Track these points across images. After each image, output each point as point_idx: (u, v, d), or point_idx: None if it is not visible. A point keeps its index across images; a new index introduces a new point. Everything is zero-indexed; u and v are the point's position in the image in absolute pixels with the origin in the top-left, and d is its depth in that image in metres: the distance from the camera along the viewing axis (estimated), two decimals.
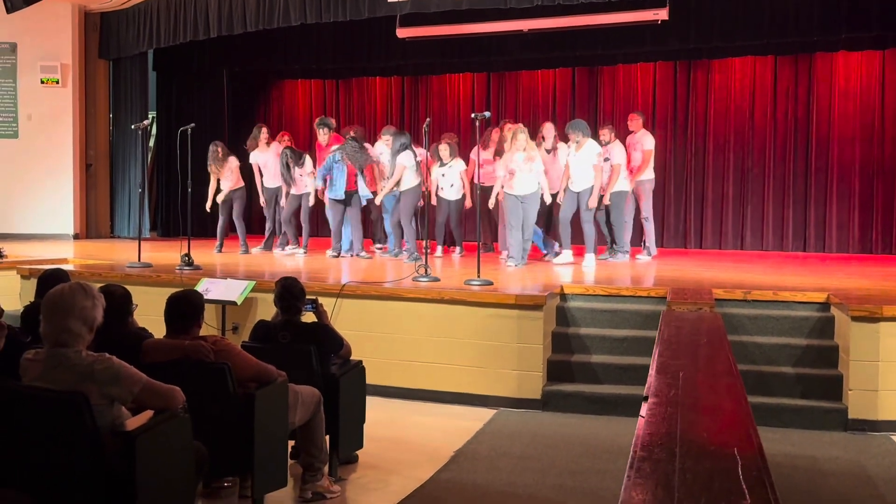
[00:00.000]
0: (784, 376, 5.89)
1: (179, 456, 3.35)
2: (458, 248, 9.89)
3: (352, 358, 4.88)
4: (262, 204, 10.28)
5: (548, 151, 9.07)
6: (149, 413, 3.25)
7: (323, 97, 13.80)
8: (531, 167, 8.35)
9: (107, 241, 12.09)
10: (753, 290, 6.48)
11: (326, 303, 5.64)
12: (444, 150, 9.29)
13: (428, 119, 8.14)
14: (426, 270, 6.98)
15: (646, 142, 9.43)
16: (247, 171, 10.28)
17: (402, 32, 10.86)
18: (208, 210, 10.01)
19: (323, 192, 9.59)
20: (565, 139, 8.85)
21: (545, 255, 9.20)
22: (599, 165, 8.54)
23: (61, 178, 12.16)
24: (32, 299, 4.71)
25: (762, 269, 8.47)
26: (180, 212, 9.69)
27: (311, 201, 9.73)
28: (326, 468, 4.41)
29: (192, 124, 8.64)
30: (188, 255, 7.91)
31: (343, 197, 9.24)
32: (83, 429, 2.97)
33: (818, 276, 7.95)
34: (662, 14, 9.64)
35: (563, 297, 6.66)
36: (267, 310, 6.14)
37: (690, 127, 11.76)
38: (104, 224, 12.62)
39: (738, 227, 11.51)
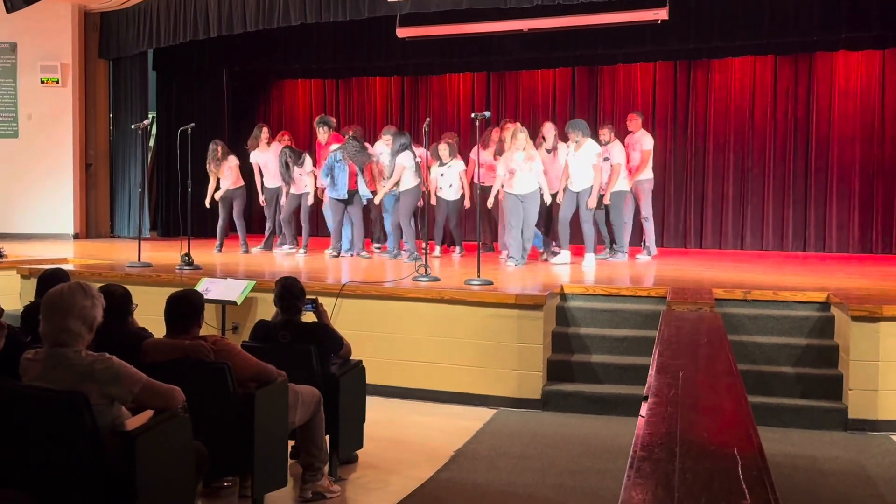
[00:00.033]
0: (784, 376, 5.89)
1: (179, 456, 3.35)
2: (457, 248, 9.89)
3: (352, 358, 4.88)
4: (261, 203, 10.28)
5: (548, 151, 9.07)
6: (149, 413, 3.25)
7: (323, 97, 13.80)
8: (531, 167, 8.36)
9: (107, 240, 12.08)
10: (753, 290, 6.48)
11: (326, 302, 5.64)
12: (443, 149, 9.29)
13: (428, 119, 8.14)
14: (426, 270, 6.98)
15: (645, 142, 9.43)
16: (246, 171, 10.29)
17: (401, 32, 10.86)
18: (207, 206, 10.00)
19: (323, 191, 9.59)
20: (566, 139, 8.85)
21: (542, 254, 9.18)
22: (599, 165, 8.54)
23: (61, 178, 12.16)
24: (32, 299, 4.71)
25: (762, 269, 8.47)
26: (180, 211, 9.69)
27: (311, 201, 9.73)
28: (326, 468, 4.41)
29: (192, 124, 8.65)
30: (188, 254, 7.91)
31: (346, 196, 9.24)
32: (83, 428, 2.97)
33: (818, 275, 7.94)
34: (662, 14, 9.64)
35: (563, 296, 6.66)
36: (267, 309, 6.14)
37: (690, 127, 11.76)
38: (104, 224, 12.62)
39: (738, 227, 11.51)
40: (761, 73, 11.37)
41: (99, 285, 3.64)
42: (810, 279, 7.54)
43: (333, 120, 10.15)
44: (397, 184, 9.03)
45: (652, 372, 3.49)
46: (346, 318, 6.42)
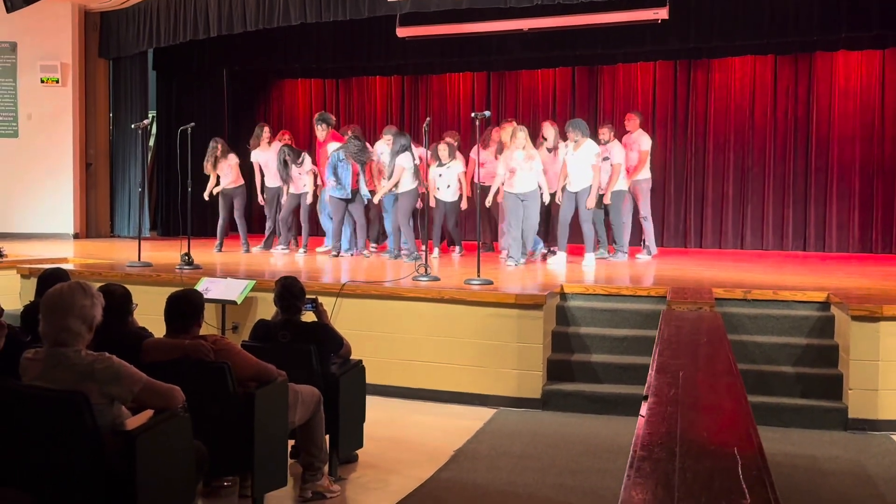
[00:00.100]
0: (784, 376, 5.89)
1: (180, 455, 3.35)
2: (457, 248, 9.89)
3: (352, 357, 4.88)
4: (260, 203, 10.28)
5: (549, 151, 9.07)
6: (149, 412, 3.24)
7: (323, 96, 13.80)
8: (531, 166, 8.36)
9: (107, 240, 12.08)
10: (753, 290, 6.48)
11: (326, 302, 5.64)
12: (442, 150, 9.29)
13: (428, 118, 8.14)
14: (426, 270, 6.98)
15: (642, 142, 9.43)
16: (246, 170, 10.28)
17: (401, 32, 10.86)
18: (206, 198, 9.98)
19: (319, 189, 9.60)
20: (566, 138, 8.84)
21: (532, 253, 9.09)
22: (598, 165, 8.53)
23: (61, 178, 12.16)
24: (32, 299, 4.71)
25: (762, 269, 8.47)
26: (180, 211, 9.69)
27: (310, 200, 9.73)
28: (326, 467, 4.41)
29: (192, 123, 8.64)
30: (188, 254, 7.91)
31: (349, 196, 9.24)
32: (83, 428, 2.97)
33: (818, 275, 7.94)
34: (662, 13, 9.64)
35: (563, 296, 6.66)
36: (267, 309, 6.14)
37: (690, 126, 11.76)
38: (104, 223, 12.62)
39: (738, 227, 11.51)
40: (761, 73, 11.37)
41: (99, 285, 3.64)
42: (810, 279, 7.54)
43: (333, 117, 10.14)
44: (396, 184, 9.03)
45: (652, 371, 3.49)
46: (345, 318, 6.42)
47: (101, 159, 12.58)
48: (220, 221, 10.14)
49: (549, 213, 9.11)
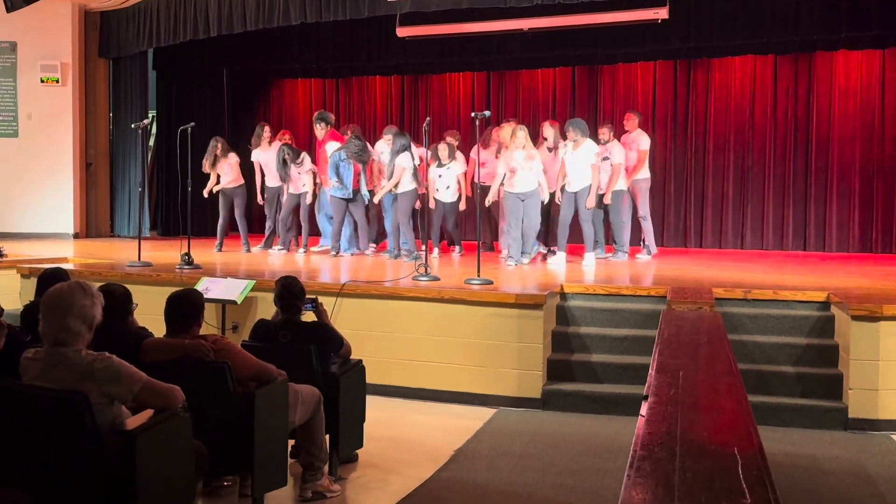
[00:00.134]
0: (784, 375, 5.89)
1: (180, 455, 3.35)
2: (457, 248, 9.89)
3: (352, 357, 4.88)
4: (259, 202, 10.28)
5: (549, 150, 9.07)
6: (149, 412, 3.24)
7: (323, 96, 13.80)
8: (532, 165, 8.35)
9: (107, 240, 12.08)
10: (753, 290, 6.48)
11: (326, 302, 5.64)
12: (442, 150, 9.28)
13: (428, 118, 8.14)
14: (426, 269, 6.98)
15: (641, 141, 9.43)
16: (246, 170, 10.28)
17: (402, 31, 10.85)
18: (206, 196, 9.97)
19: (318, 189, 9.60)
20: (566, 137, 8.84)
21: (540, 254, 9.08)
22: (597, 165, 8.52)
23: (61, 178, 12.16)
24: (32, 298, 4.71)
25: (762, 269, 8.47)
26: (180, 211, 9.68)
27: (310, 200, 9.72)
28: (326, 467, 4.41)
29: (192, 123, 8.64)
30: (188, 254, 7.91)
31: (351, 196, 9.23)
32: (83, 428, 2.97)
33: (818, 275, 7.94)
34: (662, 13, 9.63)
35: (563, 296, 6.66)
36: (267, 309, 6.14)
37: (690, 126, 11.76)
38: (104, 223, 12.62)
39: (738, 227, 11.51)
40: (761, 73, 11.37)
41: (99, 285, 3.64)
42: (810, 278, 7.54)
43: (332, 116, 10.14)
44: (396, 184, 9.03)
45: (652, 371, 3.49)
46: (345, 318, 6.42)
47: (101, 159, 12.57)
48: (221, 221, 10.14)
49: (548, 214, 9.11)
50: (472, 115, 7.33)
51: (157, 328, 4.07)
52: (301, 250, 9.79)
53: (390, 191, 9.12)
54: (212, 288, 6.63)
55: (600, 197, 8.78)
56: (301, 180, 9.69)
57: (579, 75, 12.28)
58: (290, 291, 4.65)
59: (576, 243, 9.07)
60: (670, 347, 4.08)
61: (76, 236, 12.14)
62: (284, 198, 9.86)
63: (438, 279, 6.94)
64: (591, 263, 8.42)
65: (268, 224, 10.25)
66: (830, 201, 11.03)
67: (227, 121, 13.46)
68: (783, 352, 6.01)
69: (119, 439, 3.06)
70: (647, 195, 9.54)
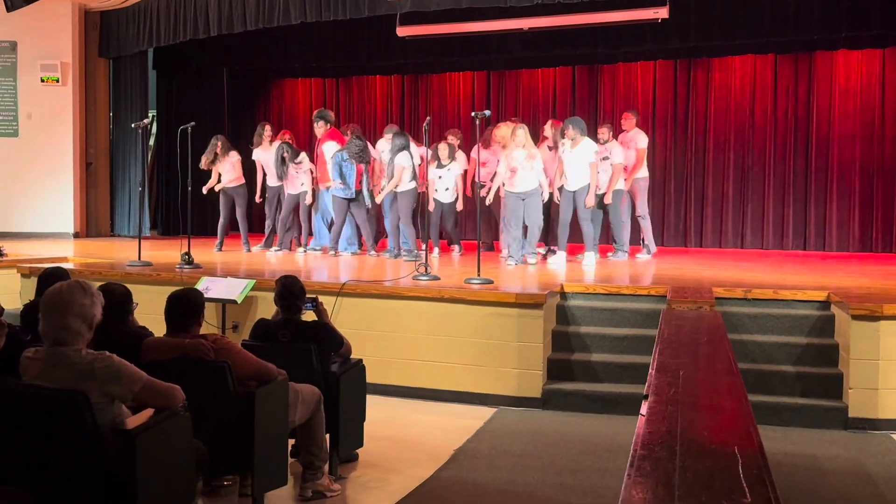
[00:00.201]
0: (784, 375, 5.89)
1: (180, 455, 3.35)
2: (456, 247, 9.89)
3: (352, 356, 4.89)
4: (257, 200, 10.28)
5: (550, 149, 9.06)
6: (149, 411, 3.24)
7: (323, 96, 13.80)
8: (532, 165, 8.34)
9: (107, 239, 12.09)
10: (754, 289, 6.48)
11: (326, 301, 5.64)
12: (443, 150, 9.27)
13: (428, 118, 8.14)
14: (426, 269, 6.98)
15: (639, 140, 9.43)
16: (247, 169, 10.27)
17: (402, 31, 10.85)
18: (205, 192, 9.97)
19: (317, 185, 9.61)
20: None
21: (529, 254, 9.01)
22: (596, 163, 8.51)
23: (61, 177, 12.16)
24: (32, 298, 4.71)
25: (762, 268, 8.47)
26: (180, 210, 9.69)
27: (309, 200, 9.72)
28: (327, 467, 4.41)
29: (193, 123, 8.64)
30: (188, 253, 7.91)
31: (354, 196, 9.23)
32: (83, 427, 2.97)
33: (818, 274, 7.94)
34: (663, 13, 9.63)
35: (564, 295, 6.66)
36: (267, 308, 6.14)
37: (691, 125, 11.76)
38: (104, 223, 12.62)
39: (738, 226, 11.51)
40: (761, 72, 11.37)
41: (99, 284, 3.64)
42: (810, 278, 7.54)
43: (332, 114, 10.13)
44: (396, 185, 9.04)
45: (652, 371, 3.49)
46: (346, 317, 6.42)
47: (102, 158, 12.58)
48: (221, 220, 10.14)
49: (549, 213, 9.10)
50: (473, 114, 7.33)
51: (158, 327, 4.07)
52: (301, 250, 9.79)
53: (390, 191, 9.12)
54: (212, 287, 6.63)
55: (601, 197, 8.78)
56: (299, 179, 9.68)
57: (579, 75, 12.29)
58: (290, 291, 4.65)
59: (575, 243, 9.07)
60: (670, 347, 4.08)
61: (76, 236, 12.14)
62: (284, 198, 9.86)
63: (438, 279, 6.93)
64: (591, 263, 8.42)
65: (267, 223, 10.25)
66: (830, 201, 11.04)
67: (227, 120, 13.45)
68: (783, 351, 6.01)
69: (119, 439, 3.06)
70: (646, 194, 9.54)
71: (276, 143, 9.96)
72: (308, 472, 4.30)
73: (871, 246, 10.83)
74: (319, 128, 9.70)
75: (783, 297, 6.35)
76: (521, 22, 10.42)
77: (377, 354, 6.20)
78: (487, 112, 7.44)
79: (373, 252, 9.45)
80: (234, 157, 9.96)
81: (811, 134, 11.16)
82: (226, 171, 9.92)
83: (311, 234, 10.03)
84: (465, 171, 9.83)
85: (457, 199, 9.42)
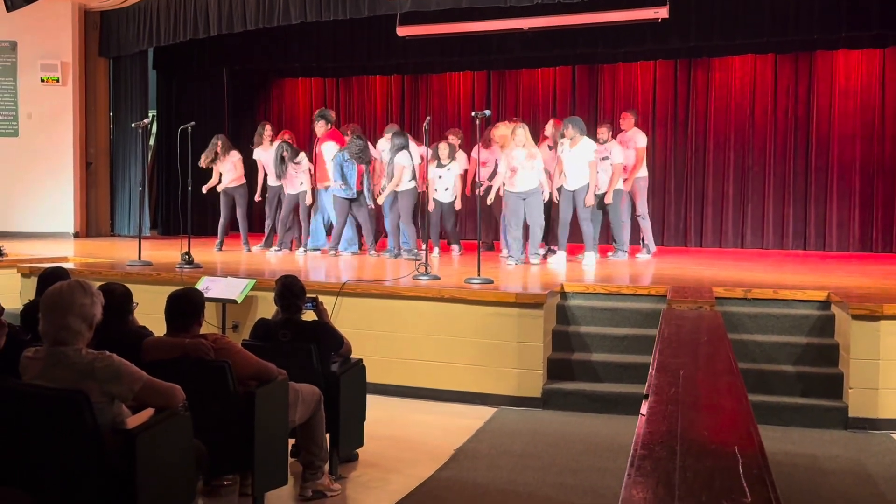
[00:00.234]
0: (784, 374, 5.89)
1: (180, 454, 3.35)
2: (456, 247, 9.89)
3: (352, 356, 4.89)
4: (257, 199, 10.28)
5: (550, 148, 9.06)
6: (149, 411, 3.24)
7: (323, 95, 13.79)
8: (532, 164, 8.33)
9: (107, 239, 12.09)
10: (754, 289, 6.48)
11: (327, 301, 5.64)
12: (443, 149, 9.26)
13: (428, 117, 8.14)
14: (426, 269, 6.97)
15: (638, 139, 9.43)
16: (248, 169, 10.27)
17: (402, 31, 10.85)
18: (204, 192, 9.97)
19: (316, 184, 9.61)
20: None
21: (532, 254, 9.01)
22: (595, 162, 8.50)
23: (61, 177, 12.15)
24: (33, 297, 4.71)
25: (762, 268, 8.47)
26: (180, 210, 9.68)
27: (309, 200, 9.71)
28: (327, 466, 4.41)
29: (193, 122, 8.64)
30: (188, 253, 7.91)
31: (355, 196, 9.23)
32: (83, 427, 2.97)
33: (818, 274, 7.94)
34: (663, 12, 9.63)
35: (564, 295, 6.66)
36: (267, 308, 6.14)
37: (691, 125, 11.76)
38: (104, 222, 12.62)
39: (738, 226, 11.51)
40: (762, 72, 11.37)
41: (99, 284, 3.64)
42: (811, 278, 7.54)
43: (333, 114, 10.13)
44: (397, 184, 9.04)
45: (652, 370, 3.49)
46: (346, 317, 6.42)
47: (102, 158, 12.57)
48: (222, 220, 10.14)
49: (549, 213, 9.10)
50: (473, 114, 7.33)
51: (158, 327, 4.08)
52: (301, 250, 9.79)
53: (392, 191, 9.11)
54: (212, 287, 6.63)
55: (601, 196, 8.78)
56: (298, 179, 9.68)
57: (579, 75, 12.28)
58: (290, 290, 4.65)
59: (575, 243, 9.06)
60: (671, 347, 4.08)
61: (76, 235, 12.14)
62: (284, 198, 9.86)
63: (439, 278, 6.94)
64: (591, 263, 8.42)
65: (267, 223, 10.25)
66: (831, 200, 11.03)
67: (227, 120, 13.45)
68: (783, 351, 6.01)
69: (119, 438, 3.06)
70: (646, 193, 9.54)
71: (277, 143, 9.96)
72: (308, 471, 4.30)
73: (871, 246, 10.82)
74: (320, 127, 9.70)
75: (783, 296, 6.35)
76: (521, 22, 10.42)
77: (377, 354, 6.20)
78: (487, 112, 7.44)
79: (373, 252, 9.45)
80: (235, 156, 9.96)
81: (811, 134, 11.16)
82: (227, 171, 9.92)
83: (307, 233, 10.04)
84: (465, 171, 9.84)
85: (455, 198, 9.42)
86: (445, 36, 11.08)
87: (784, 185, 11.26)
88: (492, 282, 6.67)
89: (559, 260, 8.54)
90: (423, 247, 7.50)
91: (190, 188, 8.45)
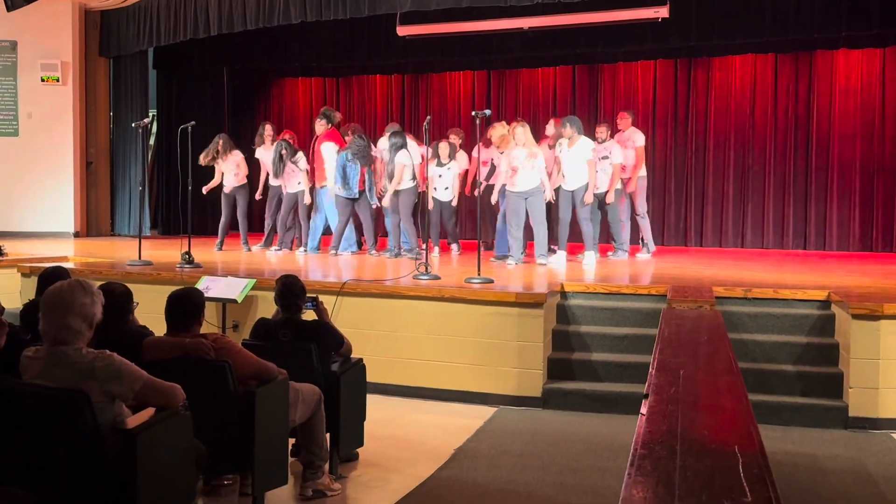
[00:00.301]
0: (784, 374, 5.89)
1: (180, 454, 3.35)
2: (455, 246, 9.89)
3: (352, 356, 4.88)
4: (257, 197, 10.28)
5: (550, 147, 9.06)
6: (150, 411, 3.24)
7: (323, 95, 13.80)
8: (533, 164, 8.32)
9: (107, 239, 12.09)
10: (754, 288, 6.48)
11: (327, 300, 5.64)
12: (443, 149, 9.26)
13: (428, 117, 8.14)
14: (426, 268, 6.97)
15: (636, 138, 9.43)
16: (249, 169, 10.26)
17: (402, 30, 10.85)
18: (204, 193, 9.97)
19: (314, 182, 9.62)
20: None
21: (496, 256, 8.99)
22: (594, 161, 8.50)
23: (62, 176, 12.16)
24: (33, 297, 4.71)
25: (763, 267, 8.47)
26: (181, 210, 9.69)
27: (307, 199, 9.71)
28: (327, 466, 4.41)
29: (193, 122, 8.64)
30: (189, 252, 7.91)
31: (357, 196, 9.23)
32: (84, 426, 2.97)
33: (819, 273, 7.94)
34: (663, 12, 9.64)
35: (564, 294, 6.66)
36: (267, 308, 6.14)
37: (691, 125, 11.76)
38: (105, 222, 12.62)
39: (738, 225, 11.51)
40: (762, 71, 11.37)
41: (99, 283, 3.63)
42: (811, 277, 7.54)
43: (338, 115, 10.12)
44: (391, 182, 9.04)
45: (652, 370, 3.49)
46: (346, 317, 6.42)
47: (102, 158, 12.57)
48: (223, 220, 10.15)
49: (549, 213, 9.09)
50: (473, 113, 7.33)
51: (158, 327, 4.08)
52: (301, 249, 9.79)
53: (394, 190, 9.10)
54: (212, 287, 6.63)
55: (602, 196, 8.77)
56: (296, 178, 9.68)
57: (580, 74, 12.28)
58: (290, 290, 4.65)
59: (575, 242, 9.06)
60: (671, 346, 4.08)
61: (77, 235, 12.14)
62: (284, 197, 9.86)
63: (439, 278, 6.93)
64: (591, 262, 8.42)
65: (267, 222, 10.25)
66: (831, 200, 11.04)
67: (228, 120, 13.45)
68: (783, 350, 6.01)
69: (120, 438, 3.06)
70: (645, 193, 9.55)
71: (277, 142, 9.96)
72: (308, 471, 4.30)
73: (871, 245, 10.83)
74: (320, 126, 9.69)
75: (783, 296, 6.35)
76: (522, 21, 10.42)
77: (377, 354, 6.20)
78: (488, 111, 7.43)
79: (373, 251, 9.45)
80: (238, 156, 9.96)
81: (811, 133, 11.16)
82: (228, 171, 9.92)
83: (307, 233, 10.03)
84: (465, 171, 9.84)
85: (454, 197, 9.42)
86: (445, 35, 11.08)
87: (784, 184, 11.27)
88: (492, 281, 6.67)
89: (559, 259, 8.53)
90: (424, 246, 7.49)
91: (190, 188, 8.46)
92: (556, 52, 11.60)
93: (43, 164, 12.08)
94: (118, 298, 3.92)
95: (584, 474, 4.68)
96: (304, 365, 4.40)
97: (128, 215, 12.45)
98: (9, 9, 10.88)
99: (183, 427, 3.34)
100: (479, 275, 6.79)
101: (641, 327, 6.30)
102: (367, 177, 9.30)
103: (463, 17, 10.41)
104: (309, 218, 9.85)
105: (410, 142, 9.39)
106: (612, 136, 9.26)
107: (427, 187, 8.70)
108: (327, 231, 9.88)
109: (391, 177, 9.04)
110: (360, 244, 9.95)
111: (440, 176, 9.30)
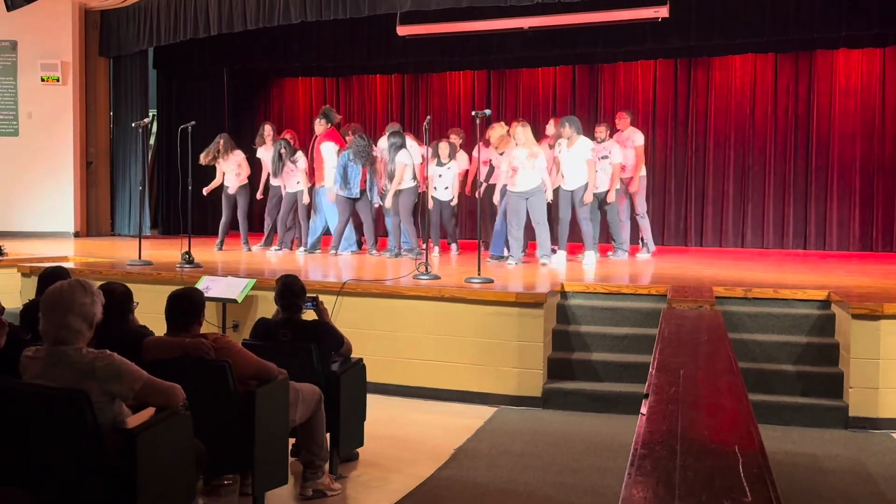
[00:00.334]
0: (785, 374, 5.89)
1: (180, 453, 3.35)
2: (454, 246, 9.89)
3: (352, 356, 4.88)
4: (258, 197, 10.28)
5: (550, 147, 9.06)
6: (150, 410, 3.24)
7: (323, 95, 13.80)
8: (534, 164, 8.31)
9: (107, 238, 12.09)
10: (754, 288, 6.48)
11: (327, 300, 5.64)
12: (443, 148, 9.26)
13: (428, 117, 8.14)
14: (426, 268, 6.97)
15: (636, 138, 9.43)
16: (252, 169, 10.26)
17: (402, 30, 10.85)
18: (205, 194, 9.97)
19: (313, 182, 9.62)
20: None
21: (491, 256, 8.97)
22: (593, 161, 8.49)
23: (62, 176, 12.16)
24: (33, 297, 4.71)
25: (763, 267, 8.47)
26: (181, 210, 9.69)
27: (307, 199, 9.71)
28: (327, 466, 4.42)
29: (193, 122, 8.64)
30: (189, 252, 7.91)
31: (358, 196, 9.22)
32: (84, 426, 2.97)
33: (819, 273, 7.94)
34: (663, 12, 9.63)
35: (564, 294, 6.66)
36: (267, 307, 6.14)
37: (691, 125, 11.76)
38: (105, 222, 12.62)
39: (738, 225, 11.51)
40: (762, 71, 11.37)
41: (100, 283, 3.63)
42: (811, 277, 7.54)
43: (338, 116, 10.11)
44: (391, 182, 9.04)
45: (652, 370, 3.49)
46: (346, 316, 6.42)
47: (102, 158, 12.57)
48: (223, 220, 10.15)
49: (549, 213, 9.08)
50: (473, 113, 7.33)
51: (158, 327, 4.08)
52: (301, 249, 9.79)
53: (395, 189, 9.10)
54: (212, 286, 6.63)
55: (602, 196, 8.77)
56: (295, 178, 9.68)
57: (580, 74, 12.28)
58: (290, 290, 4.65)
59: (575, 242, 9.06)
60: (671, 346, 4.08)
61: (77, 235, 12.14)
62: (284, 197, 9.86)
63: (439, 278, 6.93)
64: (591, 262, 8.42)
65: (267, 222, 10.25)
66: (831, 200, 11.04)
67: (228, 119, 13.45)
68: (783, 350, 6.01)
69: (120, 438, 3.06)
70: (644, 192, 9.55)
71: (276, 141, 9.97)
72: (308, 471, 4.30)
73: (871, 245, 10.83)
74: (320, 125, 9.69)
75: (783, 296, 6.35)
76: (522, 21, 10.42)
77: (377, 354, 6.20)
78: (488, 111, 7.43)
79: (373, 251, 9.45)
80: (240, 156, 9.96)
81: (811, 133, 11.17)
82: (230, 171, 9.92)
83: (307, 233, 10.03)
84: (465, 171, 9.83)
85: (454, 197, 9.42)
86: (445, 35, 11.08)
87: (784, 184, 11.27)
88: (492, 281, 6.67)
89: (559, 259, 8.53)
90: (424, 246, 7.49)
91: (190, 188, 8.46)
92: (556, 52, 11.60)
93: (43, 164, 12.08)
94: (118, 298, 3.91)
95: (584, 474, 4.68)
96: (304, 365, 4.40)
97: (128, 215, 12.45)
98: (9, 9, 10.88)
99: (183, 427, 3.34)
100: (479, 275, 6.79)
101: (641, 327, 6.30)
102: (368, 176, 9.30)
103: (463, 17, 10.41)
104: (309, 217, 9.85)
105: (410, 142, 9.39)
106: (611, 136, 9.25)
107: (427, 187, 8.70)
108: (327, 231, 9.88)
109: (391, 177, 9.03)
110: (360, 244, 9.95)
111: (440, 176, 9.30)
